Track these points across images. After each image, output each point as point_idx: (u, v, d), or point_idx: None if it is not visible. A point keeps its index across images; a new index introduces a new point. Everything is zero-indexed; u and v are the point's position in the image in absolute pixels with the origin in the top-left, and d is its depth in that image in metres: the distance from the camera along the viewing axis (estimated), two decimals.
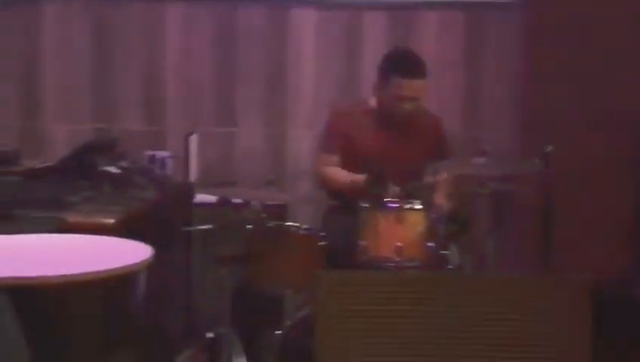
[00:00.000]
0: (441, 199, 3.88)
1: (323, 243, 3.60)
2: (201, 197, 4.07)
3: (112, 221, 3.14)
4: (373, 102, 4.05)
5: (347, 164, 3.90)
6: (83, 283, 1.93)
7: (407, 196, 3.56)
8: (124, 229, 3.16)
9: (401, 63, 3.86)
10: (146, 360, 3.49)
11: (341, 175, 3.90)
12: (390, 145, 3.89)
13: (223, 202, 3.88)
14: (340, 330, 1.56)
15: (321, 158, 4.01)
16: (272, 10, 4.63)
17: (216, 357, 3.70)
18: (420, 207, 3.47)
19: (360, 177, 3.72)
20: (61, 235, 2.46)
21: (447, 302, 1.58)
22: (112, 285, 2.01)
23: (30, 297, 1.93)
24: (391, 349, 1.60)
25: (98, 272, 1.94)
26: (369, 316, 1.57)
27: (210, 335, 3.59)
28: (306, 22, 4.63)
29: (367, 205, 3.40)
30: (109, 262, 2.03)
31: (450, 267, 3.51)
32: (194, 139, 4.25)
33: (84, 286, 1.95)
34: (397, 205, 3.45)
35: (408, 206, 3.46)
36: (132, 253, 2.14)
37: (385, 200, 3.46)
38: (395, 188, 3.65)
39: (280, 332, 3.29)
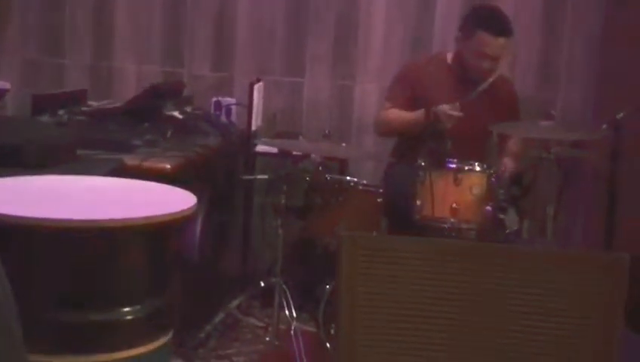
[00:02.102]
0: (508, 160, 3.80)
1: (381, 199, 3.58)
2: (263, 147, 4.07)
3: (168, 166, 3.18)
4: (449, 57, 3.97)
5: None
6: (120, 228, 1.96)
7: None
8: (181, 175, 3.19)
9: (489, 19, 3.79)
10: (198, 303, 3.55)
11: (400, 113, 3.85)
12: (461, 102, 3.80)
13: (284, 153, 3.87)
14: (361, 293, 1.54)
15: (384, 107, 3.97)
16: None
17: (267, 306, 3.74)
18: (480, 168, 3.41)
19: (418, 112, 3.67)
20: (115, 178, 2.48)
21: (476, 272, 1.55)
22: (150, 232, 2.02)
23: (71, 239, 1.97)
24: (413, 316, 1.57)
25: (136, 218, 1.96)
26: (394, 282, 1.54)
27: (261, 284, 3.62)
28: None
29: (424, 163, 3.35)
30: (150, 210, 2.04)
31: (507, 232, 3.45)
32: (259, 87, 4.24)
33: (123, 231, 1.97)
34: (456, 166, 3.39)
35: (468, 167, 3.40)
36: (176, 201, 2.15)
37: (444, 159, 3.40)
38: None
39: (329, 286, 3.28)
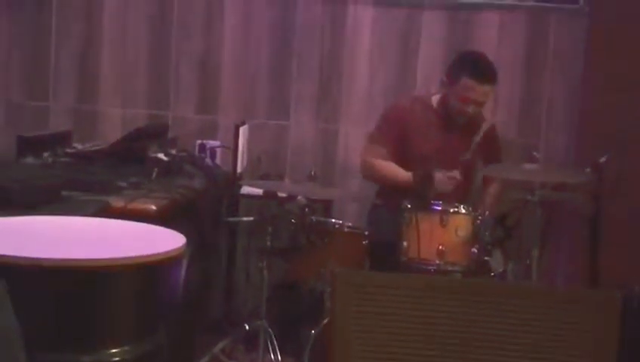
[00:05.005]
0: (487, 204, 3.83)
1: (366, 241, 3.58)
2: (247, 189, 4.07)
3: (153, 207, 3.16)
4: (435, 100, 4.00)
5: (396, 159, 3.86)
6: (109, 267, 1.94)
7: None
8: (166, 217, 3.18)
9: (475, 65, 3.82)
10: (183, 347, 3.51)
11: (389, 167, 3.86)
12: (444, 145, 3.84)
13: (269, 195, 3.87)
14: (356, 331, 1.54)
15: (370, 148, 3.99)
16: (330, 5, 4.60)
17: (251, 350, 3.70)
18: (465, 211, 3.42)
19: (406, 174, 3.69)
20: (102, 219, 2.47)
21: (467, 308, 1.55)
22: (139, 272, 2.01)
23: (60, 279, 1.95)
24: (406, 354, 1.57)
25: (125, 258, 1.95)
26: (386, 319, 1.54)
27: (246, 327, 3.60)
28: (363, 18, 4.59)
29: (410, 205, 3.36)
30: (139, 249, 2.03)
31: (492, 274, 3.46)
32: (244, 130, 4.25)
33: (112, 271, 1.96)
34: (441, 208, 3.41)
35: (453, 209, 3.41)
36: (165, 241, 2.14)
37: (430, 201, 3.42)
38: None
39: (314, 331, 3.26)
